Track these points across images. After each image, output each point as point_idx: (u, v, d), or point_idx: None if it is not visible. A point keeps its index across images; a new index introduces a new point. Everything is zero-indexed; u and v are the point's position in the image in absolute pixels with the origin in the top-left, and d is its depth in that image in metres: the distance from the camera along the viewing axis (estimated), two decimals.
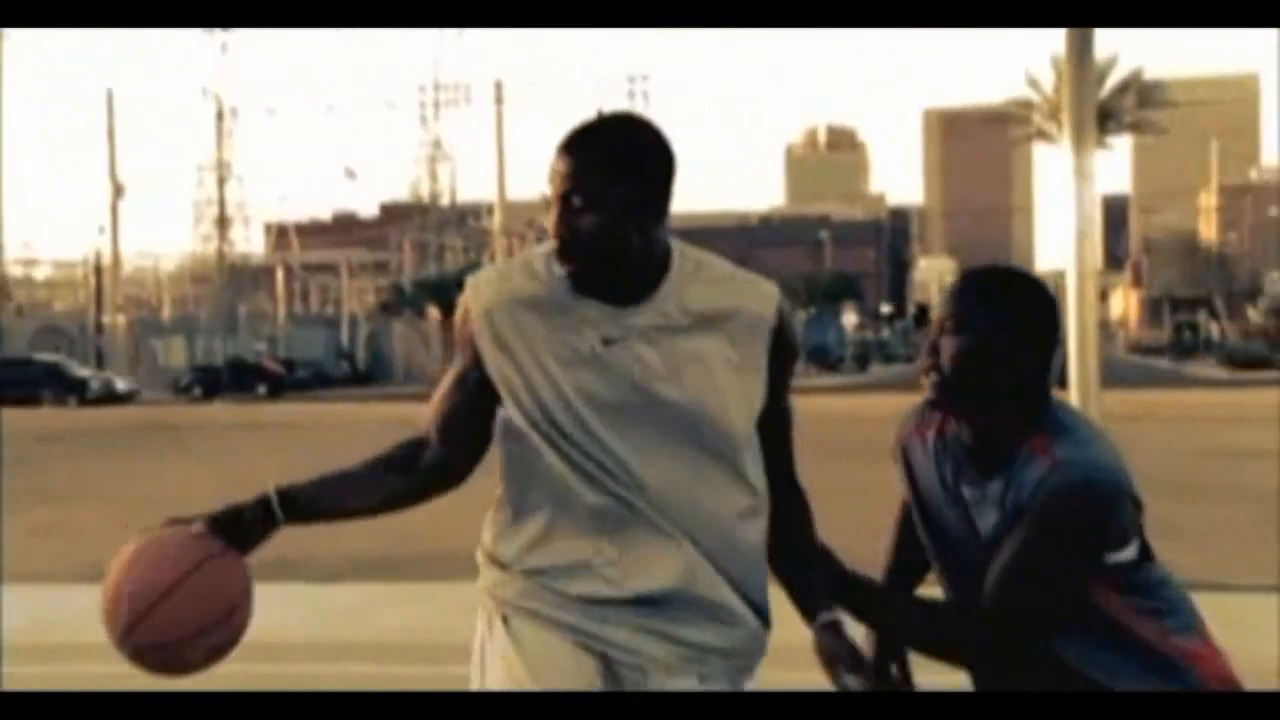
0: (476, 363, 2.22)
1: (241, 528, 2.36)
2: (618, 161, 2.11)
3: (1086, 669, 2.22)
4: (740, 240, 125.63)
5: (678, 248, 2.21)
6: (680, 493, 2.13)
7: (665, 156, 2.17)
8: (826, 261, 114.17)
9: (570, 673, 2.17)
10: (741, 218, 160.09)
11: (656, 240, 2.15)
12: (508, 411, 2.21)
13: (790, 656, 2.70)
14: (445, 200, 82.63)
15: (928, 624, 2.26)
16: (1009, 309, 2.23)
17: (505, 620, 2.25)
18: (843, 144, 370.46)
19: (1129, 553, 2.21)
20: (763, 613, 2.23)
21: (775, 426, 2.24)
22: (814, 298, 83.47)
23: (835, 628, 2.17)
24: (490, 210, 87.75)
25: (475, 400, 2.25)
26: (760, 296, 2.19)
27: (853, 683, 2.13)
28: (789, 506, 2.26)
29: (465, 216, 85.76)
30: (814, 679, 2.22)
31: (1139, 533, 2.23)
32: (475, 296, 2.22)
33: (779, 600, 2.26)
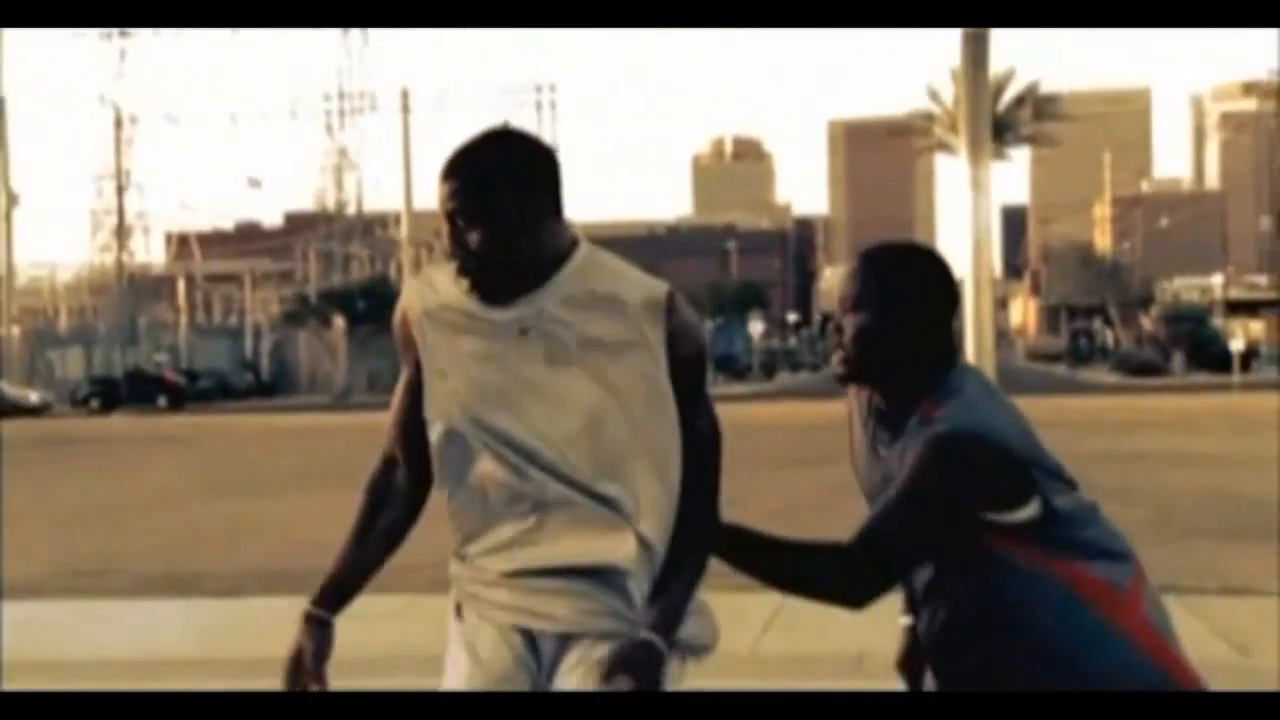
0: (418, 365, 2.38)
1: (307, 655, 2.58)
2: (491, 177, 2.22)
3: (1028, 624, 2.34)
4: (647, 250, 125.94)
5: (582, 241, 2.33)
6: (592, 466, 2.25)
7: (538, 163, 2.27)
8: (733, 271, 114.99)
9: (501, 648, 2.34)
10: (649, 228, 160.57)
11: (549, 240, 2.26)
12: (427, 413, 2.34)
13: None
14: (351, 209, 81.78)
15: (796, 563, 2.34)
16: (901, 285, 2.35)
17: (459, 609, 2.42)
18: (749, 154, 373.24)
19: (1029, 511, 2.28)
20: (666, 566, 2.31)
21: (688, 428, 2.30)
22: (721, 307, 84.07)
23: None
24: (397, 219, 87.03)
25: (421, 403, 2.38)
26: (652, 284, 2.30)
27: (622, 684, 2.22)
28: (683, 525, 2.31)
29: (372, 226, 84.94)
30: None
31: (1048, 493, 2.29)
32: (413, 300, 2.38)
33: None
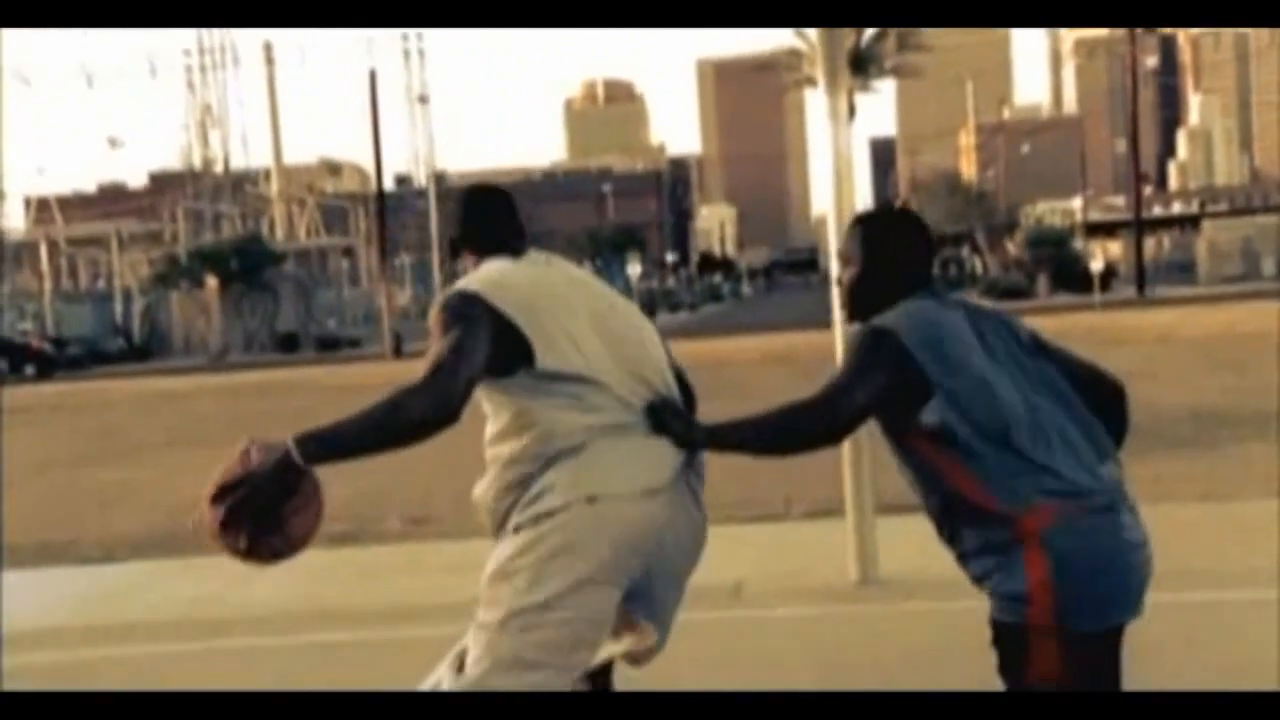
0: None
1: (259, 474, 3.12)
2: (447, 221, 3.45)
3: (942, 510, 2.89)
4: (524, 196, 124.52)
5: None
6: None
7: (464, 207, 3.36)
8: (610, 214, 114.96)
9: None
10: (525, 174, 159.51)
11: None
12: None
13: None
14: (219, 167, 79.92)
15: (777, 423, 2.93)
16: (876, 245, 3.04)
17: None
18: (621, 97, 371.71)
19: (931, 415, 2.80)
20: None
21: None
22: (599, 250, 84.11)
23: None
24: (267, 175, 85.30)
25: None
26: None
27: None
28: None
29: (241, 182, 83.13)
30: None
31: (946, 401, 2.79)
32: None
33: None
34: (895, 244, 3.04)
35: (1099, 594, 2.77)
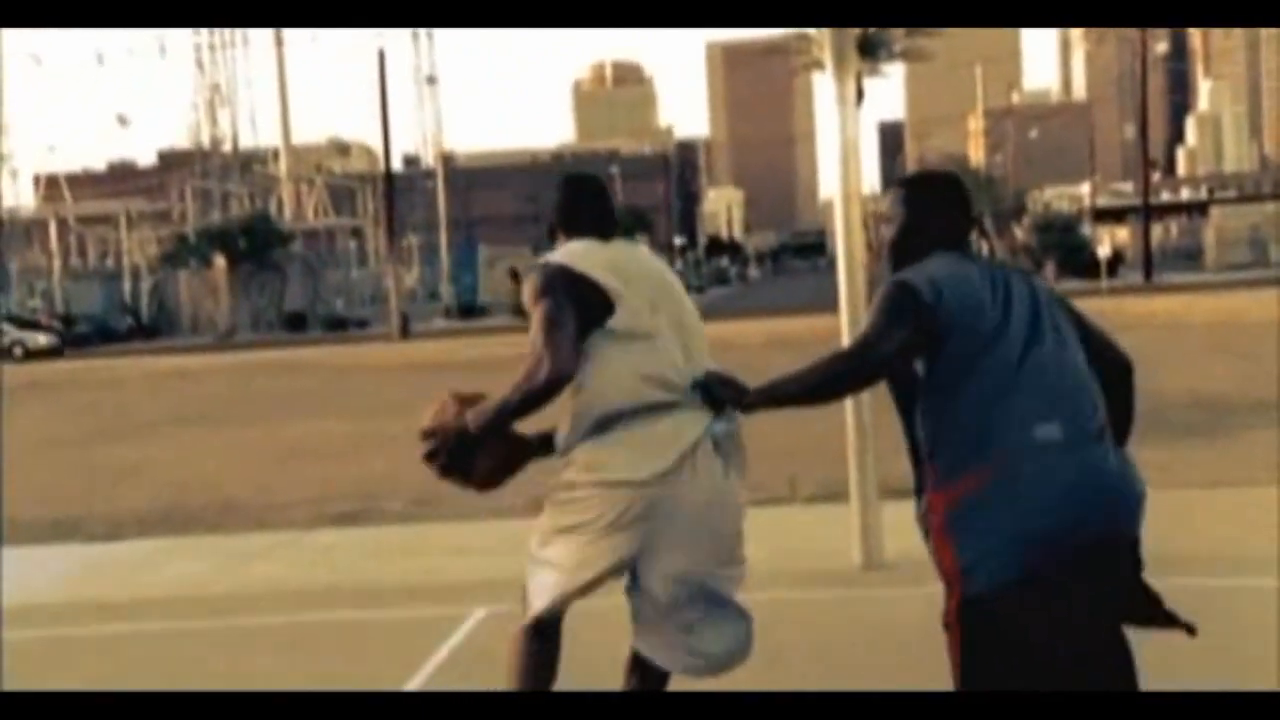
0: None
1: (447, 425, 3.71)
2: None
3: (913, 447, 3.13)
4: (532, 178, 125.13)
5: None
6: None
7: (559, 193, 3.78)
8: (617, 196, 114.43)
9: None
10: (532, 156, 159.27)
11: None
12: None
13: None
14: (227, 146, 79.91)
15: (822, 373, 3.16)
16: (913, 205, 3.23)
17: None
18: (629, 79, 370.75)
19: (920, 367, 3.04)
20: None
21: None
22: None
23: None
24: (276, 155, 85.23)
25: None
26: None
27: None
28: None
29: (250, 162, 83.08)
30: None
31: (944, 347, 2.99)
32: None
33: None
34: (932, 206, 3.24)
35: (1003, 557, 2.91)
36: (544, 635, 3.67)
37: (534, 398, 3.43)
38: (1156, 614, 3.08)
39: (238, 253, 52.31)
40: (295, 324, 49.74)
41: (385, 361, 28.41)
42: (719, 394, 3.46)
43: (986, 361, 2.97)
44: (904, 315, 3.03)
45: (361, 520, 8.94)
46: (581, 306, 3.44)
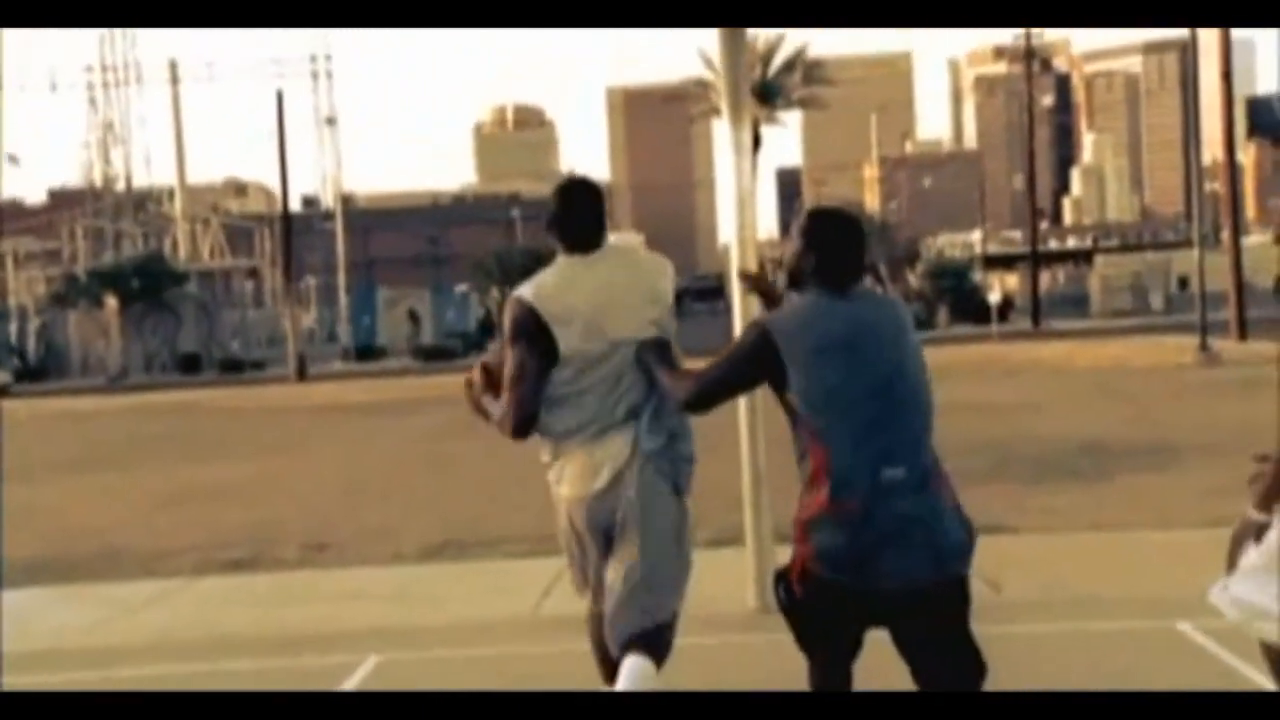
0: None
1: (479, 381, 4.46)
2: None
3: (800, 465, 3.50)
4: (433, 219, 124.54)
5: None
6: None
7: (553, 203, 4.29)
8: (518, 238, 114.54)
9: None
10: (433, 197, 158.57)
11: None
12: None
13: None
14: (121, 185, 78.40)
15: (672, 381, 3.89)
16: (811, 235, 3.59)
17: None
18: (530, 122, 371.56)
19: (791, 397, 3.44)
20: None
21: None
22: (507, 275, 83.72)
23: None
24: (171, 194, 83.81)
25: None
26: None
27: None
28: None
29: (144, 201, 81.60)
30: None
31: (797, 388, 3.40)
32: None
33: None
34: (827, 239, 3.58)
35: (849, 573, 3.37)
36: (593, 621, 4.31)
37: (512, 437, 4.19)
38: (969, 659, 3.41)
39: (130, 293, 51.24)
40: (189, 365, 48.81)
41: (282, 403, 28.00)
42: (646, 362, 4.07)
43: (841, 400, 3.37)
44: (754, 352, 3.52)
45: (253, 566, 8.80)
46: (543, 344, 4.08)
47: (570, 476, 4.15)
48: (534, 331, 4.06)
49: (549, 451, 4.23)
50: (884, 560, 3.31)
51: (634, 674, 3.92)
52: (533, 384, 4.07)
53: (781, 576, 3.55)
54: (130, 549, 9.72)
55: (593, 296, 4.12)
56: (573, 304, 4.09)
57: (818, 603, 3.45)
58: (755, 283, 4.33)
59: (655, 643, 4.06)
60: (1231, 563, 3.19)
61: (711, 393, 3.70)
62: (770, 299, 4.11)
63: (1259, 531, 3.14)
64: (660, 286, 4.29)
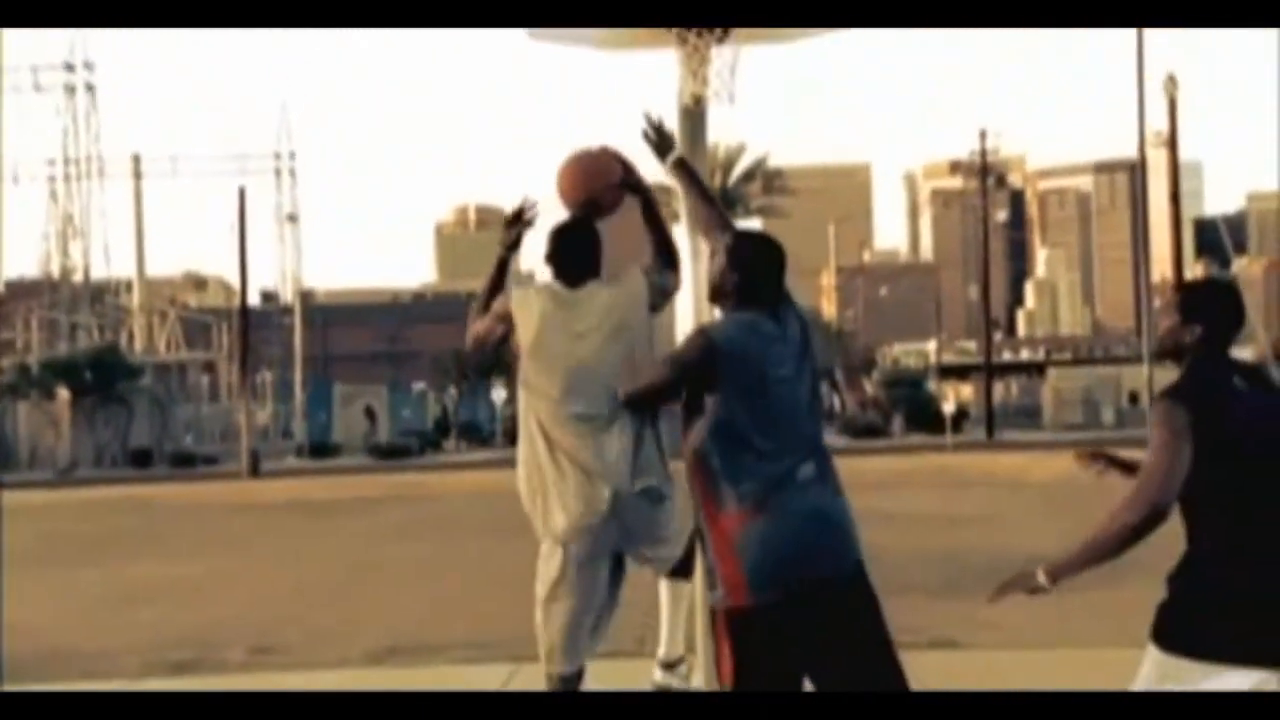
0: None
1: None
2: None
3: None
4: (392, 317, 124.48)
5: None
6: None
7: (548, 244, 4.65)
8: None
9: None
10: (393, 295, 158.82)
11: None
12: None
13: None
14: (78, 277, 78.04)
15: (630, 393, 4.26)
16: (734, 257, 3.91)
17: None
18: (492, 222, 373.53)
19: (710, 404, 3.69)
20: None
21: None
22: (465, 374, 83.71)
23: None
24: (129, 286, 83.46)
25: None
26: None
27: None
28: None
29: (101, 293, 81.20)
30: None
31: (725, 396, 3.67)
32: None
33: None
34: (750, 260, 3.89)
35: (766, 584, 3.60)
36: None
37: None
38: (884, 657, 3.73)
39: (83, 385, 50.78)
40: (140, 460, 48.25)
41: (232, 500, 27.71)
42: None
43: (764, 404, 3.66)
44: (694, 354, 3.81)
45: (198, 669, 8.65)
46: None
47: (560, 512, 4.39)
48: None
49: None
50: (807, 550, 3.66)
51: None
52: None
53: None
54: (71, 650, 9.55)
55: (565, 331, 4.64)
56: (552, 334, 4.61)
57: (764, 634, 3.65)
58: None
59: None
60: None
61: (660, 390, 4.04)
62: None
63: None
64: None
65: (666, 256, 4.78)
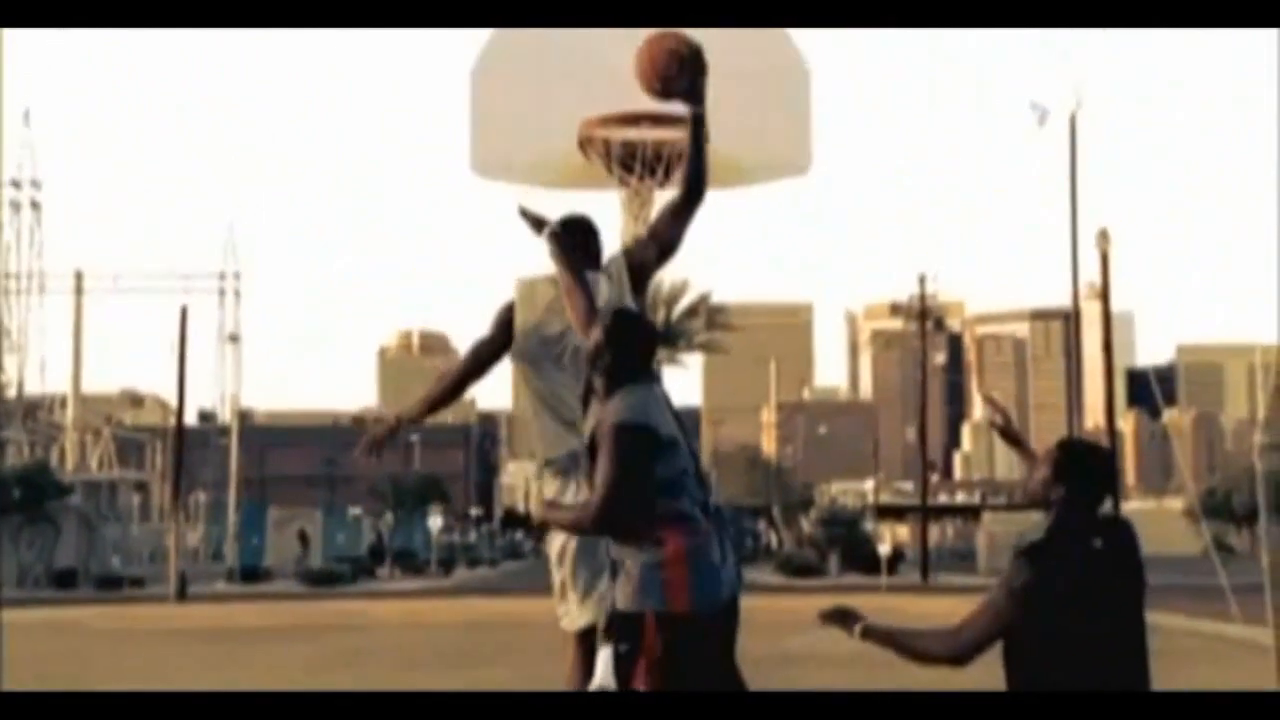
0: None
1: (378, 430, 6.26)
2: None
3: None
4: (331, 440, 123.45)
5: None
6: None
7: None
8: (416, 463, 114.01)
9: None
10: (333, 418, 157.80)
11: None
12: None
13: None
14: (11, 392, 77.00)
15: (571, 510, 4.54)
16: (614, 337, 4.24)
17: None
18: (436, 348, 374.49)
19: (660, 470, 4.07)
20: None
21: None
22: (401, 499, 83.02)
23: None
24: (63, 402, 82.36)
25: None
26: None
27: None
28: None
29: (34, 409, 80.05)
30: None
31: (670, 470, 4.10)
32: None
33: None
34: (629, 338, 4.23)
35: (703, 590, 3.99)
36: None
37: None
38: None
39: (10, 503, 49.81)
40: (64, 581, 47.17)
41: (156, 625, 27.16)
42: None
43: (679, 455, 4.12)
44: (647, 454, 4.03)
45: None
46: None
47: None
48: None
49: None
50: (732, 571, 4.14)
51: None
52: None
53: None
54: None
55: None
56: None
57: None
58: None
59: None
60: None
61: (631, 508, 4.11)
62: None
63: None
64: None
65: (695, 185, 4.81)
